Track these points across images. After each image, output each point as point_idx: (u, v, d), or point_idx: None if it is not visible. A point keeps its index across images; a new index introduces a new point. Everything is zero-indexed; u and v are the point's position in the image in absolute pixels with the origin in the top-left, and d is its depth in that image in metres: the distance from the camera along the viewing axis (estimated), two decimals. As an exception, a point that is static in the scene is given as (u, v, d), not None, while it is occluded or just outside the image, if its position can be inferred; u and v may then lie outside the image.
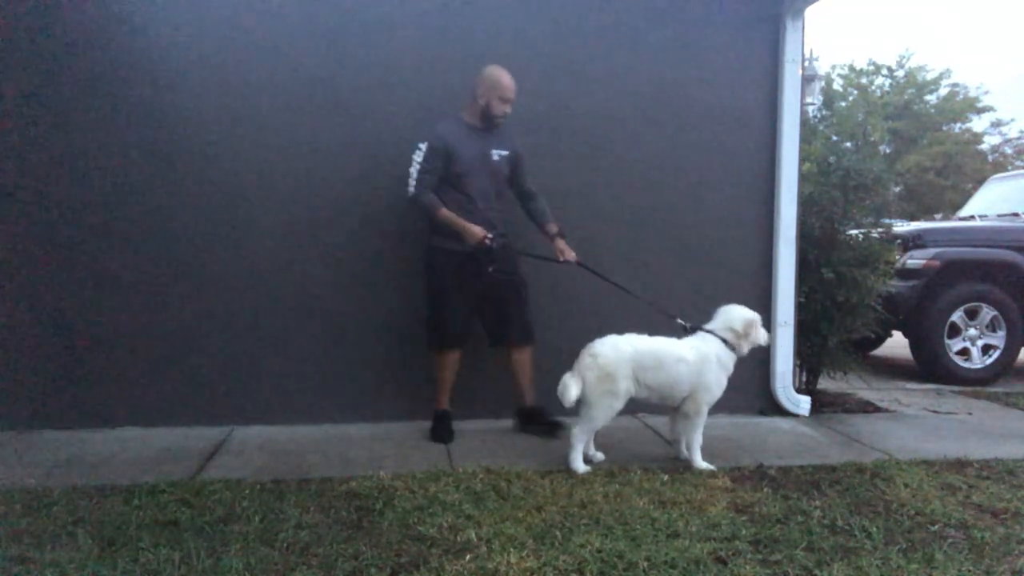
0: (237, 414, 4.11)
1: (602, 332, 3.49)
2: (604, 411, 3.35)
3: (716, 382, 3.50)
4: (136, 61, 4.03)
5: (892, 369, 6.81)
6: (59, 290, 4.00)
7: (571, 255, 3.97)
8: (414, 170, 3.75)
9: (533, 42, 4.39)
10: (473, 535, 2.57)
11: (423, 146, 3.75)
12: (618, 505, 2.89)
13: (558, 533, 2.60)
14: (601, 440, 3.90)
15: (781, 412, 4.59)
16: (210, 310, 4.13)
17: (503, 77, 3.80)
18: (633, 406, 4.45)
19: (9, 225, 3.96)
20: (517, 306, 3.97)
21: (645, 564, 2.37)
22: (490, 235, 3.75)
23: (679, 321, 3.70)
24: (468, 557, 2.40)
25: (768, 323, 4.62)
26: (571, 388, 3.26)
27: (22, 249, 3.97)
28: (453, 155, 3.77)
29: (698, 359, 3.45)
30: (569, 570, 2.34)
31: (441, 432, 3.88)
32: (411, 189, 3.76)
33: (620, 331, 3.50)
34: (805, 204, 4.78)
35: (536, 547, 2.48)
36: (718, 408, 4.53)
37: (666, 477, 3.25)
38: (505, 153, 3.93)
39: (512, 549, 2.45)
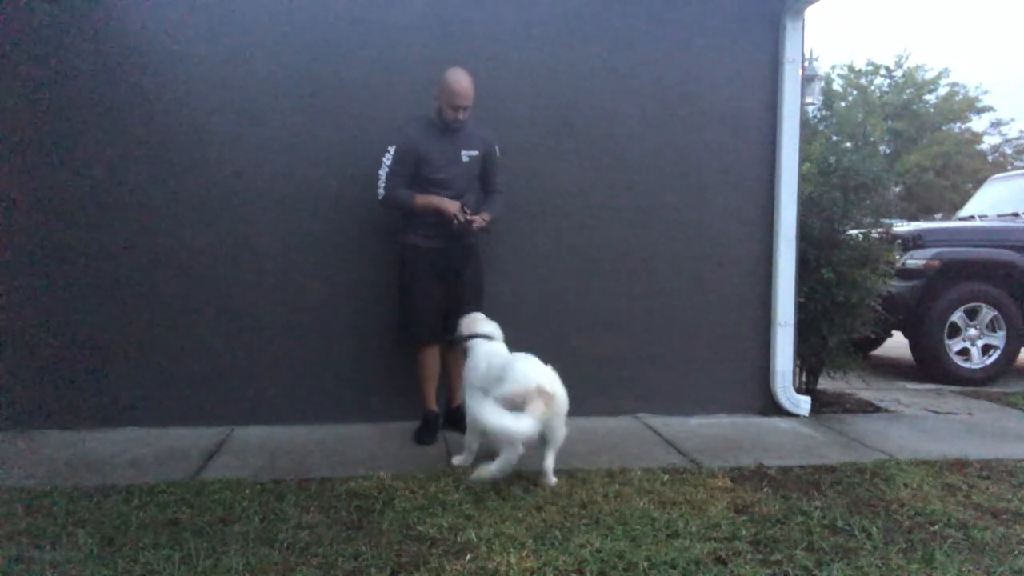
0: (237, 414, 4.11)
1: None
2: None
3: None
4: (135, 61, 4.03)
5: (892, 369, 6.81)
6: (58, 290, 4.00)
7: (478, 221, 3.82)
8: (383, 172, 3.75)
9: (533, 42, 4.39)
10: (473, 535, 2.57)
11: (391, 149, 3.75)
12: (618, 505, 2.89)
13: (558, 533, 2.60)
14: (602, 440, 3.91)
15: (781, 412, 4.59)
16: (210, 310, 4.12)
17: (456, 84, 3.71)
18: (632, 407, 4.49)
19: (8, 226, 3.96)
20: (474, 311, 3.93)
21: (645, 564, 2.37)
22: (466, 208, 3.75)
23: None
24: (468, 557, 2.41)
25: (768, 323, 4.63)
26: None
27: (21, 250, 3.97)
28: (422, 158, 3.77)
29: None
30: (569, 570, 2.34)
31: (424, 435, 3.83)
32: (381, 191, 3.77)
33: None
34: (805, 204, 4.78)
35: (536, 547, 2.48)
36: (718, 408, 4.58)
37: (666, 477, 3.25)
38: (475, 154, 3.89)
39: (512, 549, 2.45)
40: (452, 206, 3.74)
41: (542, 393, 3.02)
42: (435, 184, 3.80)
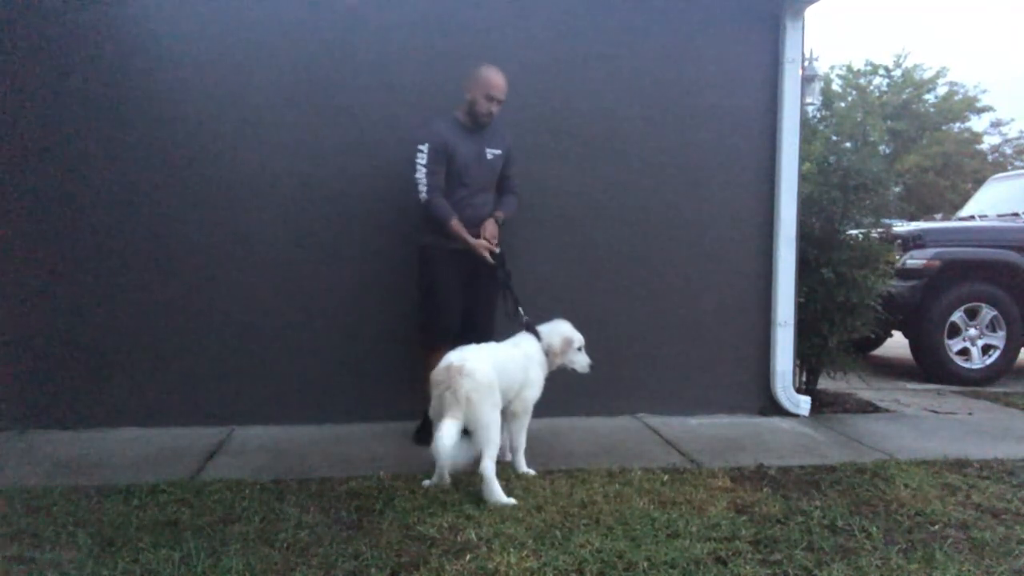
0: (237, 414, 4.11)
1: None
2: (496, 424, 3.05)
3: (538, 379, 3.45)
4: (138, 62, 4.03)
5: (892, 369, 6.81)
6: (59, 290, 4.00)
7: (490, 231, 3.79)
8: (421, 175, 3.67)
9: (534, 42, 4.39)
10: (473, 535, 2.57)
11: (424, 147, 3.68)
12: (618, 505, 2.89)
13: (558, 533, 2.60)
14: (602, 440, 3.91)
15: (781, 412, 4.59)
16: (210, 310, 4.12)
17: (493, 76, 3.73)
18: (632, 407, 4.49)
19: (8, 226, 3.96)
20: (486, 314, 3.92)
21: (645, 564, 2.37)
22: (495, 249, 3.75)
23: (520, 311, 3.64)
24: (468, 557, 2.40)
25: (768, 323, 4.63)
26: (450, 430, 2.88)
27: (22, 249, 3.97)
28: (452, 153, 3.75)
29: (523, 356, 3.42)
30: (569, 570, 2.34)
31: (424, 435, 3.76)
32: (423, 195, 3.68)
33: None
34: (805, 204, 4.78)
35: (536, 547, 2.48)
36: (718, 408, 4.58)
37: (666, 477, 3.25)
38: (498, 152, 3.89)
39: (512, 549, 2.45)
40: (481, 247, 3.70)
41: (452, 370, 2.99)
42: (459, 179, 3.78)
